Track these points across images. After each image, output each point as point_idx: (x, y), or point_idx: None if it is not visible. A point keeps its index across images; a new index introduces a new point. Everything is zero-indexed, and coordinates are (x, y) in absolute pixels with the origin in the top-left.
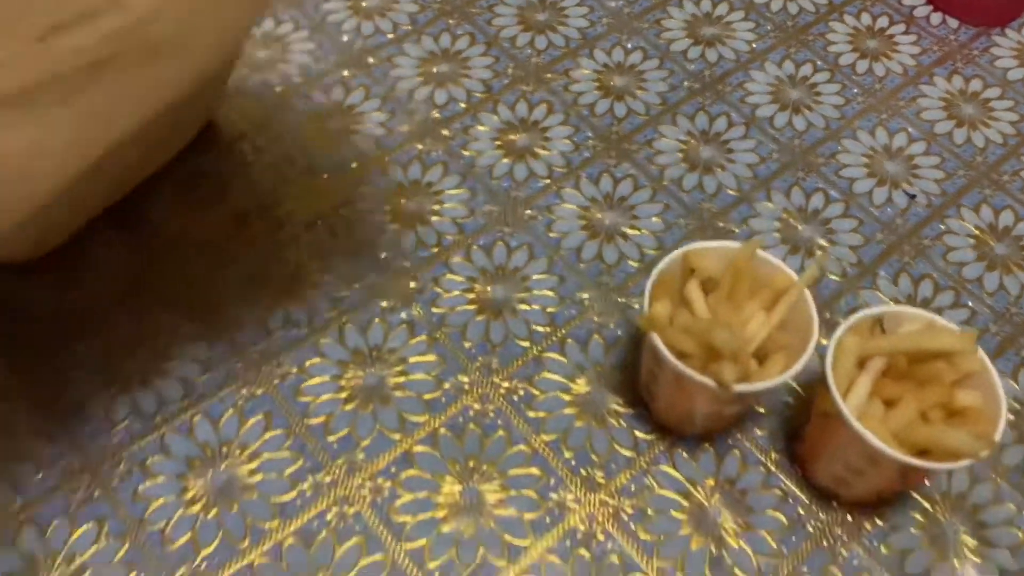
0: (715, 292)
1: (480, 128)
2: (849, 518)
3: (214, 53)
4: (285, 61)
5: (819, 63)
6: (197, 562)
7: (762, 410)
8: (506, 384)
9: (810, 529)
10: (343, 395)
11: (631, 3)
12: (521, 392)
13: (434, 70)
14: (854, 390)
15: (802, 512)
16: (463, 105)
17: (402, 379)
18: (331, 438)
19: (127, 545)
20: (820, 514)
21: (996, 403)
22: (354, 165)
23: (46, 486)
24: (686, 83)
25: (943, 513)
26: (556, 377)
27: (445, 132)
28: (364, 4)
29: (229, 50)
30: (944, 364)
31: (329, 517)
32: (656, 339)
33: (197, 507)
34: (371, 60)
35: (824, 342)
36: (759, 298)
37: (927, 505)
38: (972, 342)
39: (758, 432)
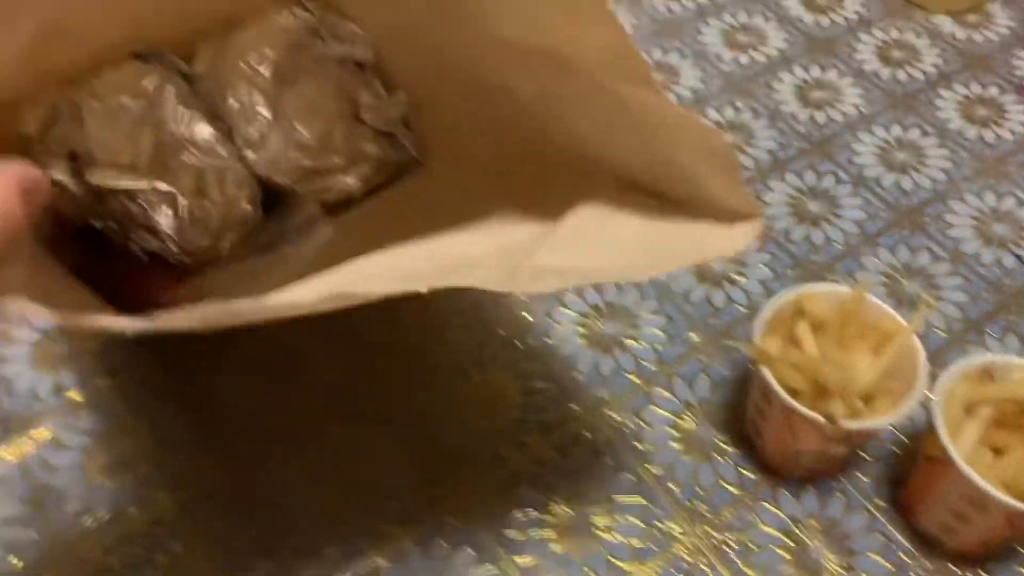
0: (824, 333)
1: None
2: (954, 568)
3: None
4: None
5: (927, 127)
6: None
7: (867, 456)
8: (614, 415)
9: None
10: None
11: (742, 67)
12: (630, 424)
13: None
14: (962, 435)
15: (906, 559)
16: None
17: (517, 402)
18: None
19: None
20: (925, 562)
21: None
22: None
23: None
24: (795, 143)
25: None
26: (663, 412)
27: None
28: None
29: None
30: None
31: None
32: (766, 373)
33: None
34: None
35: (929, 393)
36: (867, 342)
37: None
38: None
39: (862, 477)
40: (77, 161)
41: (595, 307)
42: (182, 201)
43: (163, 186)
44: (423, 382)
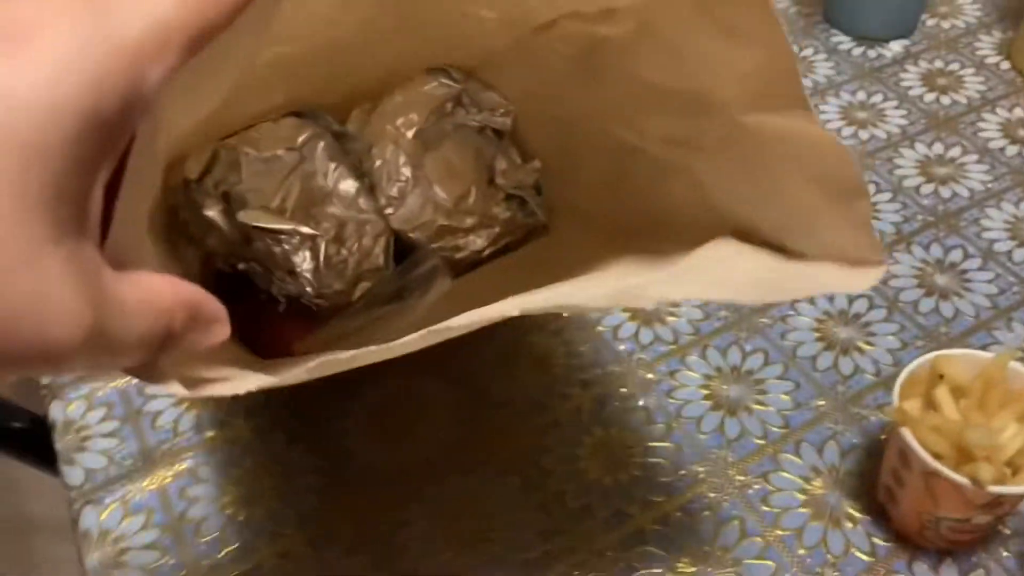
0: (964, 399)
1: None
2: None
3: None
4: None
5: None
6: None
7: (1008, 531)
8: (741, 477)
9: None
10: (584, 464)
11: (864, 142)
12: (756, 486)
13: None
14: None
15: None
16: None
17: (639, 459)
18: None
19: None
20: None
21: None
22: None
23: None
24: (919, 216)
25: None
26: (791, 476)
27: None
28: None
29: None
30: None
31: None
32: (907, 434)
33: None
34: None
35: None
36: (1011, 409)
37: None
38: None
39: (1004, 553)
40: (230, 203)
41: (719, 369)
42: (322, 246)
43: (306, 230)
44: (544, 437)
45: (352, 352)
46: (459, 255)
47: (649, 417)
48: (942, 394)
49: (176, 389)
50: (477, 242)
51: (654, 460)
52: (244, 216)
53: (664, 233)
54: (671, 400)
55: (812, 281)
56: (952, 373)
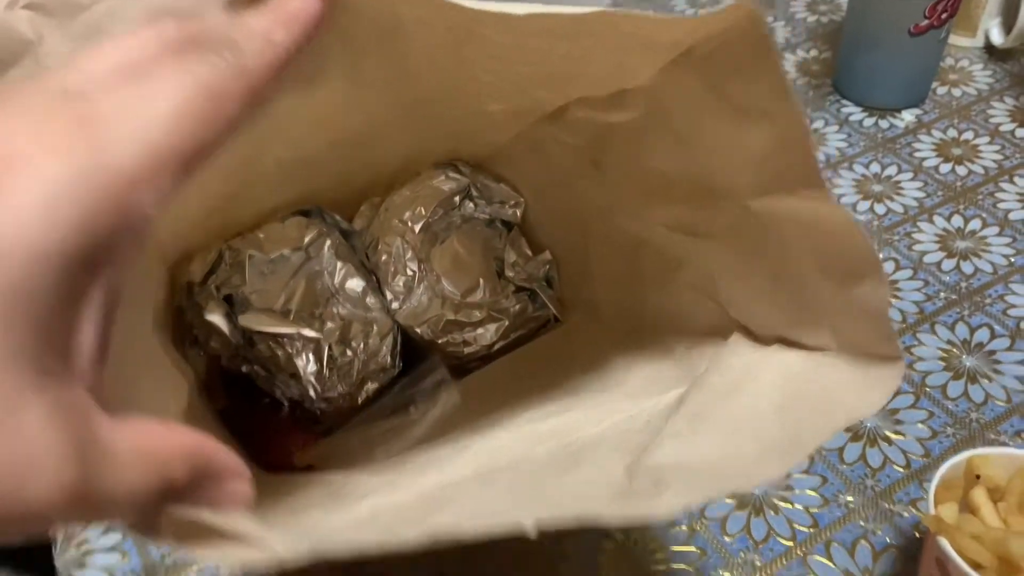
0: (1003, 502)
1: None
2: None
3: None
4: None
5: None
6: None
7: None
8: None
9: None
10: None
11: (880, 216)
12: None
13: None
14: None
15: None
16: None
17: (662, 567)
18: None
19: None
20: None
21: None
22: None
23: None
24: (942, 294)
25: None
26: None
27: None
28: None
29: None
30: None
31: None
32: (946, 544)
33: None
34: None
35: None
36: None
37: None
38: None
39: None
40: (233, 305)
41: None
42: (326, 349)
43: (309, 333)
44: (561, 543)
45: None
46: (468, 350)
47: (671, 519)
48: (980, 497)
49: (171, 543)
50: (486, 336)
51: (678, 567)
52: (245, 320)
53: (673, 327)
54: None
55: (834, 404)
56: (989, 474)
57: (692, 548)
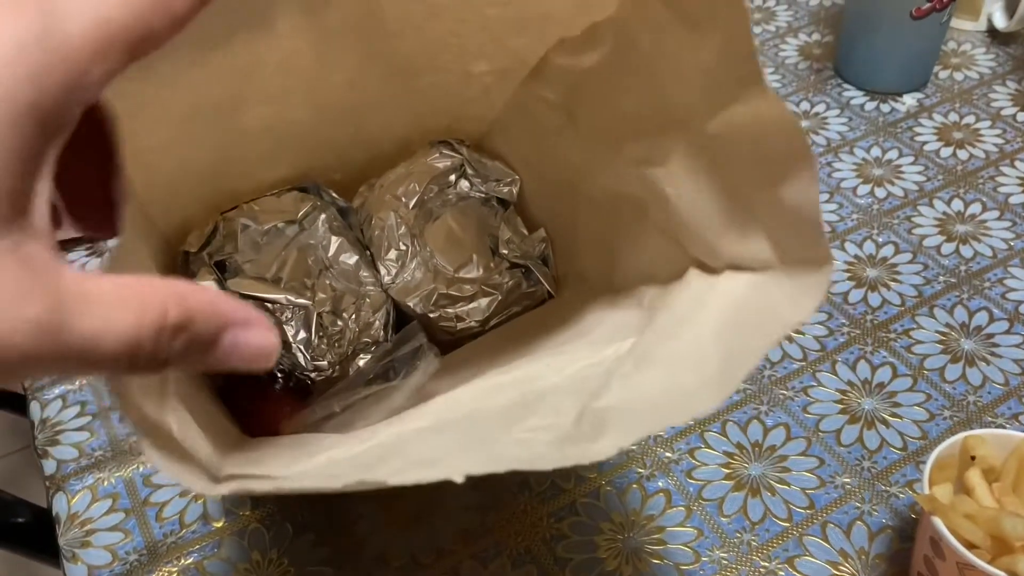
0: (998, 482)
1: None
2: None
3: None
4: None
5: None
6: None
7: None
8: (766, 564)
9: None
10: (603, 555)
11: (880, 200)
12: (782, 574)
13: None
14: None
15: None
16: None
17: (659, 547)
18: None
19: None
20: None
21: None
22: None
23: None
24: (941, 278)
25: None
26: (819, 562)
27: None
28: None
29: None
30: None
31: None
32: (939, 524)
33: None
34: None
35: None
36: None
37: None
38: None
39: None
40: (224, 272)
41: (740, 446)
42: (315, 317)
43: (298, 300)
44: (561, 522)
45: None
46: (461, 325)
47: (669, 500)
48: (975, 477)
49: (133, 427)
50: (478, 310)
51: (675, 546)
52: (234, 285)
53: (647, 278)
54: (691, 480)
55: (767, 322)
56: (984, 454)
57: (689, 528)
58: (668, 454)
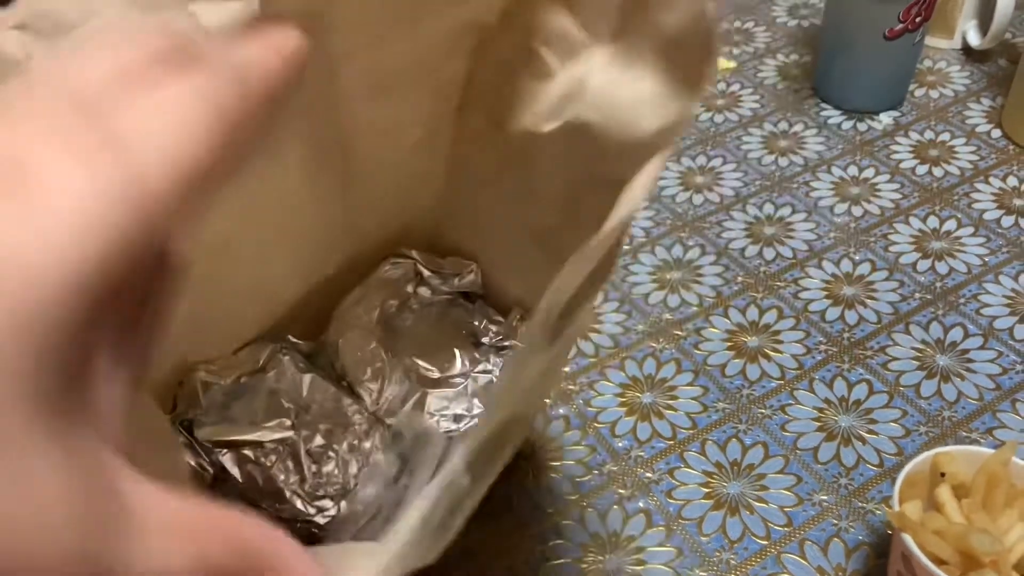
0: (968, 499)
1: (712, 330)
2: None
3: None
4: None
5: None
6: None
7: None
8: None
9: None
10: None
11: (857, 218)
12: None
13: (668, 276)
14: None
15: None
16: (695, 308)
17: (640, 568)
18: None
19: None
20: None
21: None
22: (592, 359)
23: None
24: (917, 295)
25: None
26: None
27: (678, 332)
28: None
29: None
30: None
31: None
32: (909, 541)
33: None
34: None
35: None
36: (1016, 507)
37: None
38: None
39: None
40: (192, 433)
41: (718, 465)
42: (303, 452)
43: (283, 435)
44: (544, 545)
45: None
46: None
47: (649, 520)
48: (944, 494)
49: None
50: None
51: (654, 566)
52: (203, 435)
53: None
54: (671, 500)
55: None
56: (953, 471)
57: (669, 548)
58: (648, 474)
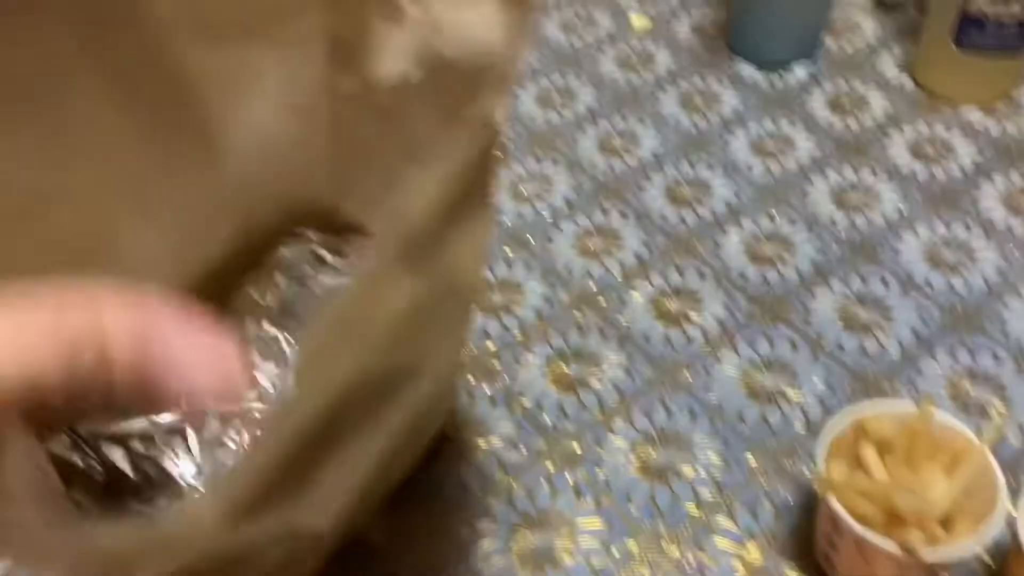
0: (891, 455)
1: (635, 296)
2: None
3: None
4: None
5: (971, 223)
6: None
7: None
8: (676, 550)
9: None
10: (514, 558)
11: (774, 174)
12: (691, 559)
13: (589, 244)
14: None
15: None
16: (618, 275)
17: (571, 544)
18: None
19: None
20: None
21: None
22: (517, 334)
23: None
24: (835, 248)
25: None
26: (726, 543)
27: (601, 300)
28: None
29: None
30: None
31: None
32: (835, 503)
33: None
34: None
35: (1012, 509)
36: (938, 462)
37: None
38: None
39: None
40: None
41: (645, 434)
42: (196, 438)
43: (166, 418)
44: (472, 529)
45: None
46: None
47: (579, 494)
48: (868, 454)
49: None
50: None
51: (584, 539)
52: (85, 430)
53: None
54: (599, 473)
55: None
56: (876, 430)
57: (598, 521)
58: (576, 448)
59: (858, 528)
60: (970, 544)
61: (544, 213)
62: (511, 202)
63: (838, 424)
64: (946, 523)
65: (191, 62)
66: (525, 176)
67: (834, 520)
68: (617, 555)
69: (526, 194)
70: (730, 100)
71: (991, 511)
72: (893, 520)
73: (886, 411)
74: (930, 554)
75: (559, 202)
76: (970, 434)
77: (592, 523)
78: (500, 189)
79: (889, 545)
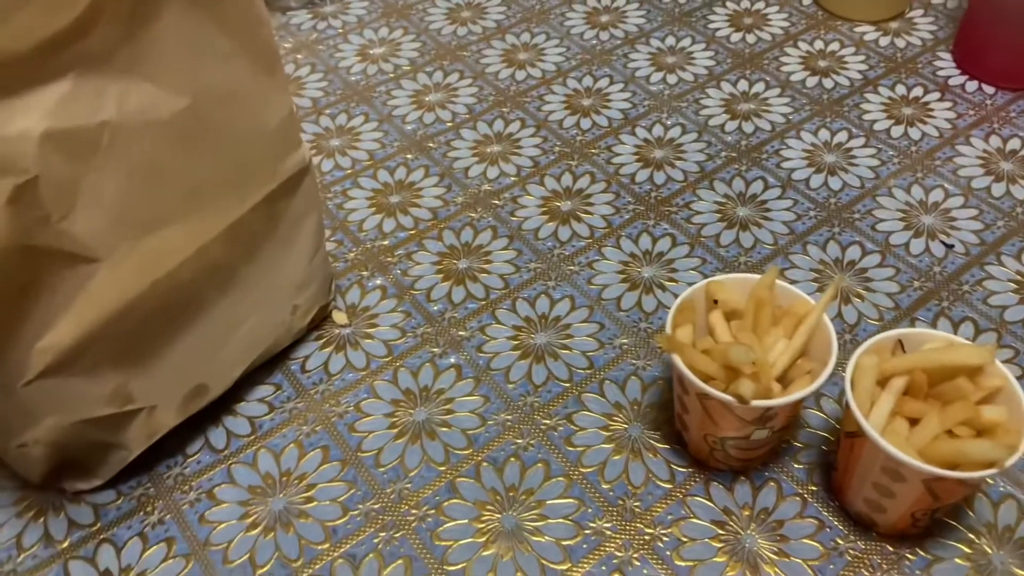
0: (738, 321)
1: (528, 198)
2: (890, 548)
3: None
4: (354, 148)
5: (854, 130)
6: None
7: (799, 444)
8: (547, 421)
9: (848, 558)
10: (394, 430)
11: (671, 86)
12: (560, 428)
13: (488, 150)
14: (876, 408)
15: (840, 541)
16: (513, 178)
17: (448, 416)
18: (381, 469)
19: (191, 564)
20: (859, 543)
21: (1021, 416)
22: (412, 231)
23: (124, 510)
24: (723, 153)
25: (990, 545)
26: (595, 415)
27: (496, 201)
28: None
29: None
30: (966, 381)
31: (376, 541)
32: (677, 360)
33: (256, 530)
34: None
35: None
36: (781, 326)
37: (972, 537)
38: (991, 355)
39: (795, 465)
40: None
41: (527, 319)
42: None
43: None
44: (359, 401)
45: None
46: None
47: (460, 373)
48: (716, 319)
49: None
50: None
51: (463, 414)
52: None
53: None
54: (481, 354)
55: None
56: (725, 298)
57: (476, 396)
58: (461, 333)
59: (699, 382)
60: (795, 394)
61: (447, 121)
62: (415, 111)
63: (689, 294)
64: (787, 383)
65: None
66: (431, 86)
67: (681, 380)
68: (493, 426)
69: (430, 103)
70: (634, 17)
71: (825, 368)
72: (731, 374)
73: (736, 281)
74: (757, 402)
75: (461, 110)
76: (811, 301)
77: (470, 399)
78: (406, 99)
79: (724, 396)
